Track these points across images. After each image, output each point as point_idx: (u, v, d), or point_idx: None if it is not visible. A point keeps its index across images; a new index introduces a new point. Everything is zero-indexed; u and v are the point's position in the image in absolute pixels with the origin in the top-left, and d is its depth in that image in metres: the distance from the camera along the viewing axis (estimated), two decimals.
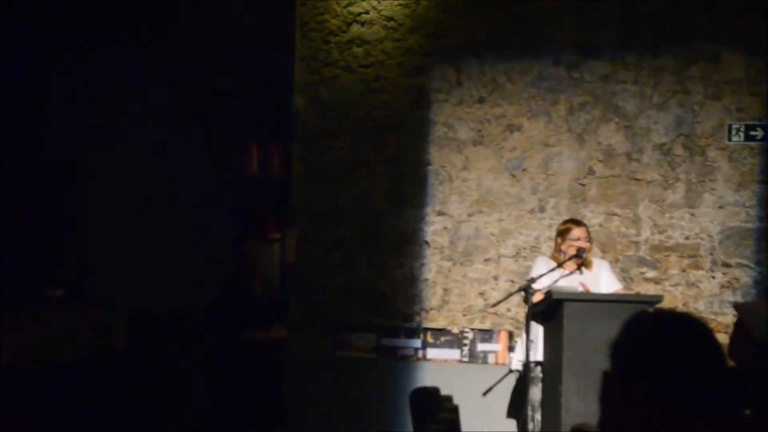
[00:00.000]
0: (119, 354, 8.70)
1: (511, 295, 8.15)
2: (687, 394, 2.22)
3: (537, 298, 7.44)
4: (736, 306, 4.55)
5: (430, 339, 9.18)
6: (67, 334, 8.27)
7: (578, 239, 7.88)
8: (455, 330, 9.14)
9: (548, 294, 7.18)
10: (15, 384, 7.39)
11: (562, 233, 8.00)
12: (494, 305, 8.63)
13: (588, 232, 8.01)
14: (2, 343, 7.45)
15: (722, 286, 8.70)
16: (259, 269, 7.83)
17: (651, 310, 2.50)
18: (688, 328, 2.35)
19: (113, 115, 8.88)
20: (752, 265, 8.71)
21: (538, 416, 7.67)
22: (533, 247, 9.04)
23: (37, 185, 8.55)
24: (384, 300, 9.32)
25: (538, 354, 7.66)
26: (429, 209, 9.30)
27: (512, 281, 9.00)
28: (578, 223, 8.12)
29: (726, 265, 8.73)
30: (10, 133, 8.28)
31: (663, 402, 2.22)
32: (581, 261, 7.87)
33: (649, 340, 2.34)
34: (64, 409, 7.76)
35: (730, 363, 3.68)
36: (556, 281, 7.68)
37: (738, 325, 4.15)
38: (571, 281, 7.70)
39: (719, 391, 2.26)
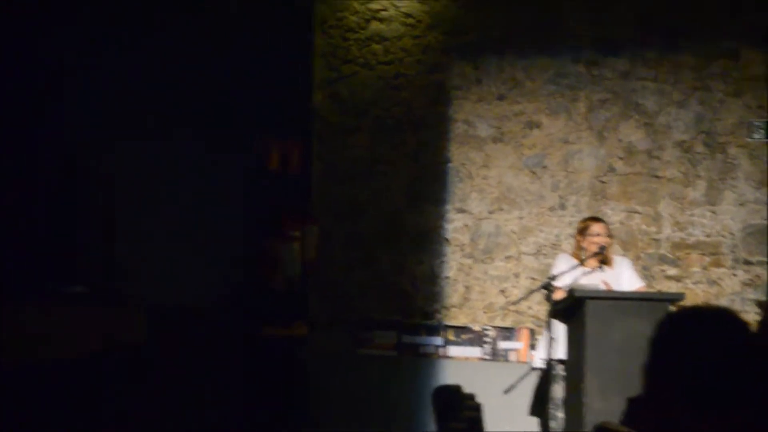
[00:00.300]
0: (140, 350, 8.73)
1: (532, 292, 8.15)
2: (724, 390, 2.21)
3: (559, 295, 7.44)
4: (760, 304, 4.55)
5: (451, 337, 9.17)
6: (88, 331, 8.30)
7: (598, 235, 7.87)
8: (476, 328, 9.13)
9: (570, 292, 7.18)
10: (37, 379, 7.43)
11: (582, 231, 8.01)
12: (515, 303, 8.63)
13: (607, 228, 8.01)
14: (24, 339, 7.48)
15: (744, 284, 8.68)
16: (281, 266, 7.84)
17: (685, 307, 2.46)
18: (722, 324, 2.33)
19: (136, 114, 8.91)
20: None
21: (560, 414, 7.67)
22: (554, 244, 9.04)
23: (61, 184, 8.59)
24: (404, 297, 9.31)
25: (560, 352, 7.65)
26: (449, 206, 9.29)
27: (533, 279, 8.99)
28: (597, 219, 8.13)
29: (747, 262, 8.71)
30: (35, 132, 8.32)
31: (699, 400, 2.21)
32: (602, 258, 7.87)
33: (685, 337, 2.32)
34: (83, 404, 7.79)
35: None
36: (577, 279, 7.68)
37: (763, 323, 4.15)
38: (592, 279, 7.69)
39: (757, 387, 2.25)
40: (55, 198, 8.54)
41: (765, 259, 8.69)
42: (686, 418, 2.21)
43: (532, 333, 8.97)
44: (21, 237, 8.34)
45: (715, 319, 2.35)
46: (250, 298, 7.63)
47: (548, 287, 7.48)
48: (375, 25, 9.63)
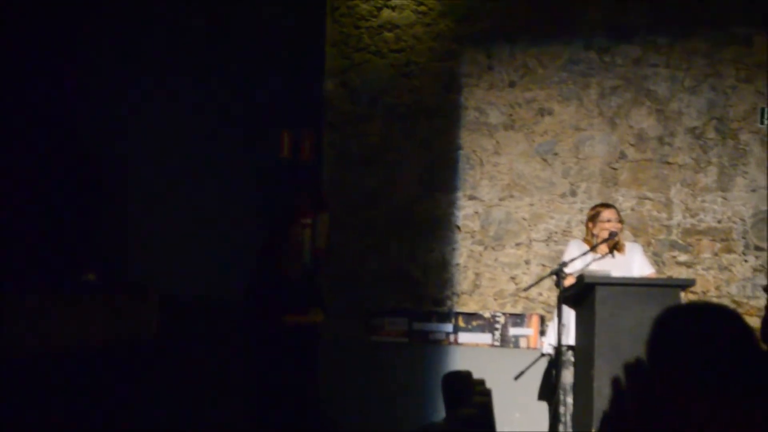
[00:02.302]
0: (153, 340, 8.76)
1: (542, 279, 8.15)
2: (720, 380, 2.21)
3: (569, 282, 7.43)
4: (766, 288, 4.53)
5: (461, 323, 9.19)
6: (100, 320, 8.33)
7: (609, 221, 7.85)
8: (487, 314, 9.15)
9: (580, 278, 7.17)
10: (49, 369, 7.46)
11: (593, 217, 7.98)
12: (526, 289, 8.62)
13: (618, 214, 7.98)
14: (35, 328, 7.51)
15: (755, 270, 8.67)
16: (297, 254, 7.86)
17: (682, 300, 2.49)
18: (718, 315, 2.34)
19: (149, 102, 8.94)
20: None
21: (569, 400, 7.67)
22: (564, 231, 9.04)
23: (74, 173, 8.62)
24: (415, 284, 9.34)
25: (569, 338, 7.65)
26: (460, 194, 9.30)
27: (543, 265, 9.00)
28: (608, 206, 8.10)
29: (758, 248, 8.69)
30: (49, 121, 8.35)
31: (697, 389, 2.21)
32: (614, 244, 7.86)
33: (681, 329, 2.32)
34: (96, 394, 7.82)
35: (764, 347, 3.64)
36: (588, 265, 7.67)
37: None
38: (603, 265, 7.68)
39: (754, 375, 2.25)
40: (69, 186, 8.58)
41: None
42: (689, 406, 2.21)
43: (542, 319, 8.98)
44: (34, 225, 8.37)
45: (716, 311, 2.36)
46: (266, 286, 7.63)
47: (559, 274, 7.47)
48: (387, 13, 9.63)
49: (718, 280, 8.71)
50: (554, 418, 7.88)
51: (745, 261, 8.71)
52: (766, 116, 8.75)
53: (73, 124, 8.85)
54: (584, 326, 7.27)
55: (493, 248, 9.21)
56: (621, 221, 7.96)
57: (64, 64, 8.71)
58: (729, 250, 8.75)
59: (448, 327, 9.22)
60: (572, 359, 7.66)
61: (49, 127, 8.54)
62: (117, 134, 9.08)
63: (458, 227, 9.30)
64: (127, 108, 9.09)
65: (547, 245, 9.08)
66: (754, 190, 8.73)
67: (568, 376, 7.71)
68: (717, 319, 2.35)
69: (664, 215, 8.89)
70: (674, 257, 8.83)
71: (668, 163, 8.92)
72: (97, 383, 7.86)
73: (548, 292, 8.88)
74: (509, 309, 9.12)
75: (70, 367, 7.66)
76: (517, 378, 8.81)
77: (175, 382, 8.61)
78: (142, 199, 9.18)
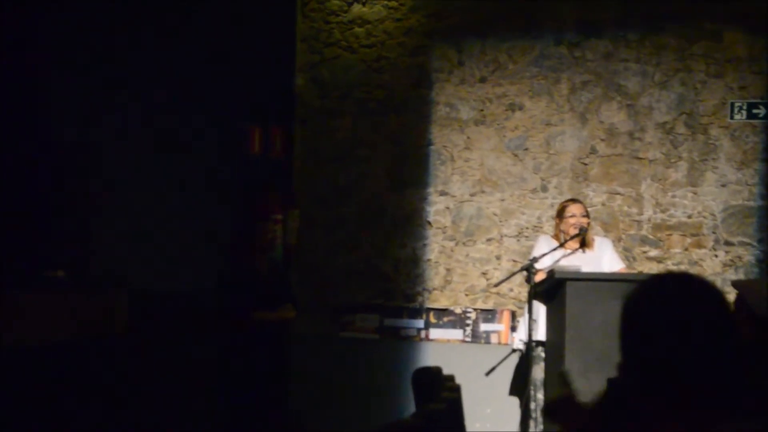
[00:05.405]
0: (123, 336, 8.70)
1: (513, 274, 8.14)
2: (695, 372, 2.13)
3: (539, 277, 7.43)
4: (735, 284, 4.51)
5: (432, 319, 9.18)
6: (69, 316, 8.26)
7: (573, 216, 7.86)
8: (458, 310, 9.14)
9: (551, 273, 7.16)
10: (16, 366, 7.40)
11: (560, 212, 8.01)
12: (496, 285, 8.62)
13: (585, 209, 7.99)
14: (5, 326, 7.45)
15: (725, 265, 8.69)
16: (268, 250, 7.84)
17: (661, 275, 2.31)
18: (692, 295, 2.22)
19: (115, 96, 8.87)
20: (755, 243, 8.69)
21: (540, 395, 7.67)
22: (536, 226, 9.04)
23: (40, 167, 8.55)
24: (387, 280, 9.32)
25: (540, 333, 7.65)
26: (431, 189, 9.29)
27: (515, 261, 9.00)
28: (574, 200, 8.12)
29: (728, 243, 8.72)
30: (13, 114, 8.27)
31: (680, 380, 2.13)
32: (582, 239, 7.86)
33: (657, 311, 2.21)
34: (65, 391, 7.77)
35: None
36: (557, 261, 7.67)
37: (738, 303, 4.12)
38: (572, 261, 7.68)
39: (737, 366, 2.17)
40: (35, 181, 8.51)
41: (746, 239, 8.71)
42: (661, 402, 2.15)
43: (513, 315, 8.98)
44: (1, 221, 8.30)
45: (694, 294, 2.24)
46: (237, 281, 7.59)
47: (529, 269, 7.47)
48: (357, 8, 9.61)
49: None
50: (525, 414, 7.88)
51: (715, 256, 8.73)
52: (735, 111, 8.77)
53: (40, 117, 8.78)
54: (555, 322, 7.26)
55: (464, 244, 9.20)
56: (587, 216, 7.96)
57: (30, 51, 8.63)
58: (699, 245, 8.77)
59: (419, 323, 9.21)
60: (542, 355, 7.66)
61: (14, 119, 8.46)
62: (85, 127, 9.01)
63: (429, 223, 9.29)
64: (95, 100, 9.02)
65: (518, 241, 9.08)
66: (724, 185, 8.76)
67: (538, 371, 7.72)
68: (692, 300, 2.21)
69: (634, 210, 8.90)
70: (645, 252, 8.85)
71: (639, 158, 8.93)
72: (67, 380, 7.81)
73: (519, 288, 8.88)
74: (480, 305, 9.12)
75: (40, 364, 7.60)
76: (488, 374, 8.81)
77: (146, 377, 8.56)
78: (111, 193, 9.11)
